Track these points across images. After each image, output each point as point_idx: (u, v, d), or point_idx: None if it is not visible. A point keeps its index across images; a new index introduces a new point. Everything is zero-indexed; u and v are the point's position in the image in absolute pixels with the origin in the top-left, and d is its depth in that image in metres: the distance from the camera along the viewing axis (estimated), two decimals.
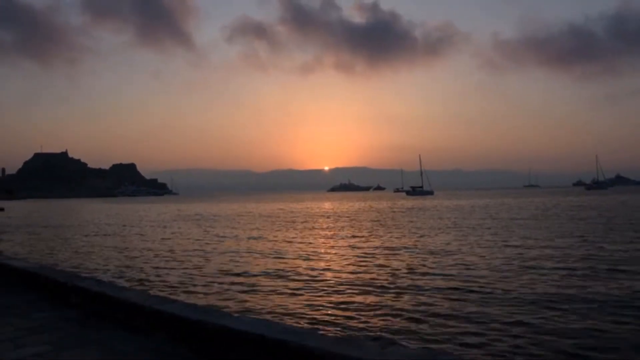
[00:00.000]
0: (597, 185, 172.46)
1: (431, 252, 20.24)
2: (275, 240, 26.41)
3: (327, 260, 18.95)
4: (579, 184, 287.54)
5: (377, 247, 22.35)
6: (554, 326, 9.47)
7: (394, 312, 10.74)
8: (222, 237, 29.26)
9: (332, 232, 31.48)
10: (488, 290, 12.71)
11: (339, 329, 9.65)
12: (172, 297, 9.77)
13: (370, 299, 12.15)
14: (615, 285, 12.99)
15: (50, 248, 25.05)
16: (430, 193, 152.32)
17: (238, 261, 19.09)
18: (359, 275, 15.56)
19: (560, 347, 8.35)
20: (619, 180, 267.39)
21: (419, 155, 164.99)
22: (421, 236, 27.00)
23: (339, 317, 10.48)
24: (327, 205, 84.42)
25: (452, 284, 13.66)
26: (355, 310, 11.06)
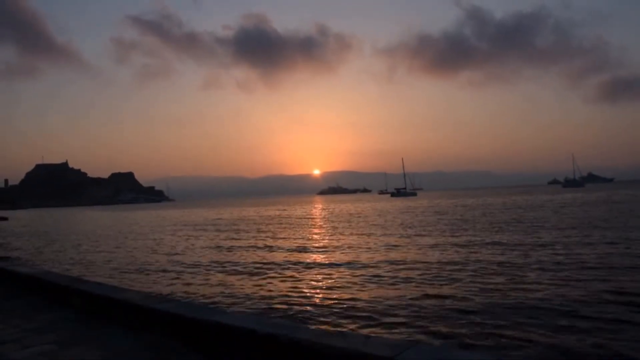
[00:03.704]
0: (573, 183, 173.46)
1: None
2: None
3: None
4: (554, 182, 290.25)
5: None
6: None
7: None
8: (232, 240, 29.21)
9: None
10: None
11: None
12: (169, 296, 9.84)
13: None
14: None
15: (53, 254, 24.86)
16: (414, 194, 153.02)
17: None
18: None
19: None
20: (591, 178, 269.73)
21: (402, 159, 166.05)
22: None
23: None
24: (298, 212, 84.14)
25: None
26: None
